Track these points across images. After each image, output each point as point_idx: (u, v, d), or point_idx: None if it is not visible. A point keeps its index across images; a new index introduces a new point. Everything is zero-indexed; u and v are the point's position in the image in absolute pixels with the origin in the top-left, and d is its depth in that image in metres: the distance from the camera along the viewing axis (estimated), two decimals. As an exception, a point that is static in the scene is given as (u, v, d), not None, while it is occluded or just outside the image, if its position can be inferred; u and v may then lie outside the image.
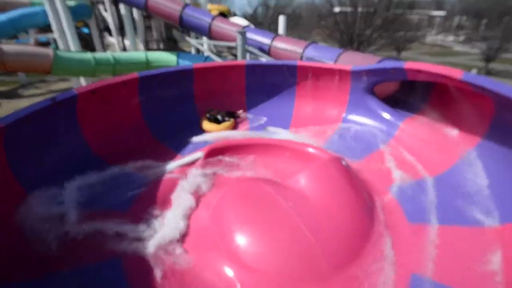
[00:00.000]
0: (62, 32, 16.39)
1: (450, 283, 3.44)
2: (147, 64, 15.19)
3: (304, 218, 3.86)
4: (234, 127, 6.23)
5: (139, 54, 15.65)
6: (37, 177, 4.44)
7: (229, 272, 3.48)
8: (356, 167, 5.73)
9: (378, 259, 3.80)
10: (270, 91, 7.86)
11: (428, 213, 4.58)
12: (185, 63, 14.73)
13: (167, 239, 3.87)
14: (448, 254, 3.90)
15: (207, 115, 6.12)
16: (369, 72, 6.79)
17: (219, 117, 6.37)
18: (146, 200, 4.53)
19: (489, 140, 5.14)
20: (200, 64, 7.09)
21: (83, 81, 17.06)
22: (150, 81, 6.48)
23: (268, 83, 7.86)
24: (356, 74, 7.11)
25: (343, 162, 5.12)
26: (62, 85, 11.38)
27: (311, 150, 5.61)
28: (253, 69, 7.55)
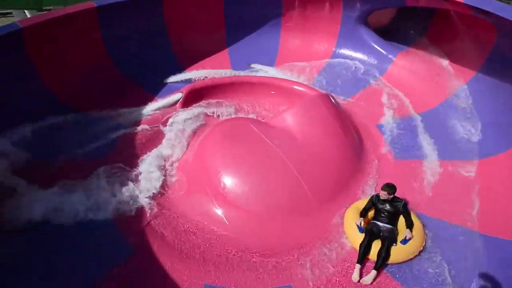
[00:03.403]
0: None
1: (435, 214, 3.76)
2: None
3: (290, 156, 3.97)
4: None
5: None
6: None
7: (217, 212, 3.71)
8: (346, 105, 5.77)
9: (362, 195, 4.11)
10: (253, 24, 7.25)
11: (415, 149, 4.78)
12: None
13: (152, 184, 3.98)
14: (432, 186, 4.17)
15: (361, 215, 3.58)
16: (364, -2, 6.37)
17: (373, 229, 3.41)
18: (126, 147, 4.51)
19: (484, 72, 5.23)
20: (169, -10, 6.35)
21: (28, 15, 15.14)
22: (111, 11, 5.78)
23: (250, 14, 7.16)
24: (348, 1, 6.61)
25: (332, 100, 5.11)
26: (6, 21, 10.13)
27: (297, 87, 5.49)
28: (233, -2, 6.89)
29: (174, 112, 5.17)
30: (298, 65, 6.58)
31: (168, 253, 3.35)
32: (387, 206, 3.42)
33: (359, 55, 6.89)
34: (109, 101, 5.25)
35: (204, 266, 3.26)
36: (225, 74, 6.05)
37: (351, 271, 3.21)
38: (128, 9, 5.96)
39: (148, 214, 3.69)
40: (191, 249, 3.41)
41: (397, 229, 3.41)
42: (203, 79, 5.90)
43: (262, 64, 6.56)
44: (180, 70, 6.22)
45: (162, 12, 6.33)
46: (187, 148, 4.55)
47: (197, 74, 6.02)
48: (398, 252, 3.22)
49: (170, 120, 5.00)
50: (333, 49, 7.06)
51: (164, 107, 5.25)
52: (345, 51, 7.00)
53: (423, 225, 3.48)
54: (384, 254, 3.17)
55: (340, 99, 5.73)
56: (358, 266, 3.19)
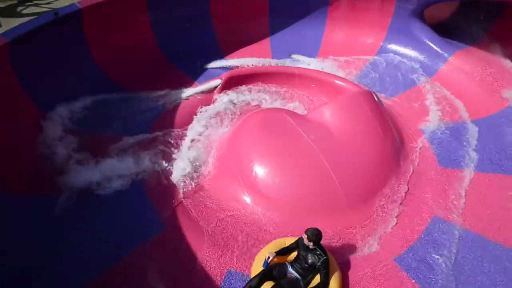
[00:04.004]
0: None
1: (474, 228, 3.53)
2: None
3: (326, 152, 3.85)
4: None
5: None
6: (51, 97, 4.53)
7: (247, 200, 3.74)
8: (389, 104, 5.43)
9: (398, 199, 3.87)
10: (297, 12, 6.99)
11: (463, 158, 4.43)
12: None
13: (186, 165, 4.10)
14: (476, 200, 3.85)
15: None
16: (424, -13, 5.86)
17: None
18: (164, 127, 4.65)
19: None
20: (216, -24, 6.34)
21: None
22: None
23: (296, 3, 6.88)
24: (405, -8, 6.18)
25: (375, 97, 4.82)
26: (65, 2, 10.88)
27: (339, 82, 5.27)
28: (279, -15, 6.71)
29: (212, 98, 5.24)
30: (341, 58, 6.29)
31: (195, 234, 3.46)
32: (307, 255, 2.84)
33: (409, 51, 6.41)
34: (151, 82, 5.45)
35: (229, 252, 3.32)
36: (265, 63, 5.97)
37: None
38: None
39: (180, 194, 3.84)
40: (218, 233, 3.50)
41: (304, 284, 2.87)
42: (242, 67, 5.87)
43: (304, 55, 6.36)
44: (221, 56, 6.24)
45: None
46: (222, 134, 4.60)
47: (237, 61, 6.00)
48: None
49: (207, 105, 5.08)
50: (381, 43, 6.64)
51: (203, 92, 5.33)
52: (393, 47, 6.56)
53: None
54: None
55: (384, 98, 5.42)
56: None
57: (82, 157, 3.99)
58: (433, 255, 3.30)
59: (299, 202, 3.69)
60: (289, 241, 3.13)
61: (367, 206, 3.78)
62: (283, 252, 3.03)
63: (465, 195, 3.92)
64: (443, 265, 3.20)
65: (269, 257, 2.88)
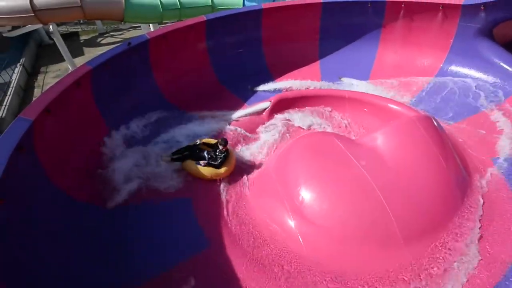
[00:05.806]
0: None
1: None
2: (213, 7, 15.06)
3: (378, 180, 3.60)
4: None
5: (204, -3, 15.54)
6: (116, 116, 5.08)
7: (291, 224, 3.61)
8: (452, 130, 4.97)
9: (465, 240, 3.39)
10: (348, 35, 6.93)
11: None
12: (252, 5, 14.14)
13: (233, 185, 4.22)
14: None
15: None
16: (492, 5, 5.36)
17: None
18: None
19: None
20: (270, 4, 6.64)
21: (152, 28, 18.15)
22: (217, 24, 6.38)
23: (347, 24, 6.86)
24: (469, 10, 5.66)
25: (434, 123, 4.44)
26: (135, 33, 12.50)
27: (393, 106, 4.98)
28: (331, 8, 6.71)
29: (261, 119, 5.35)
30: (395, 81, 5.99)
31: (238, 254, 3.45)
32: (217, 151, 4.41)
33: (475, 73, 5.85)
34: (204, 103, 5.79)
35: (273, 276, 3.23)
36: (314, 86, 5.97)
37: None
38: (231, 22, 6.48)
39: (225, 211, 3.92)
40: (262, 256, 3.43)
41: (207, 161, 4.38)
42: (291, 90, 5.94)
43: (355, 78, 6.21)
44: (271, 79, 6.40)
45: (260, 25, 6.66)
46: (269, 156, 4.62)
47: (286, 84, 6.10)
48: (190, 166, 4.40)
49: (256, 127, 5.20)
50: (441, 65, 6.18)
51: (253, 113, 5.47)
52: (456, 68, 6.05)
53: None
54: (183, 157, 4.51)
55: (445, 123, 4.97)
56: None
57: (139, 171, 4.32)
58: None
59: (348, 232, 3.45)
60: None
61: (425, 244, 3.38)
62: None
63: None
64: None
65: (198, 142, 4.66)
